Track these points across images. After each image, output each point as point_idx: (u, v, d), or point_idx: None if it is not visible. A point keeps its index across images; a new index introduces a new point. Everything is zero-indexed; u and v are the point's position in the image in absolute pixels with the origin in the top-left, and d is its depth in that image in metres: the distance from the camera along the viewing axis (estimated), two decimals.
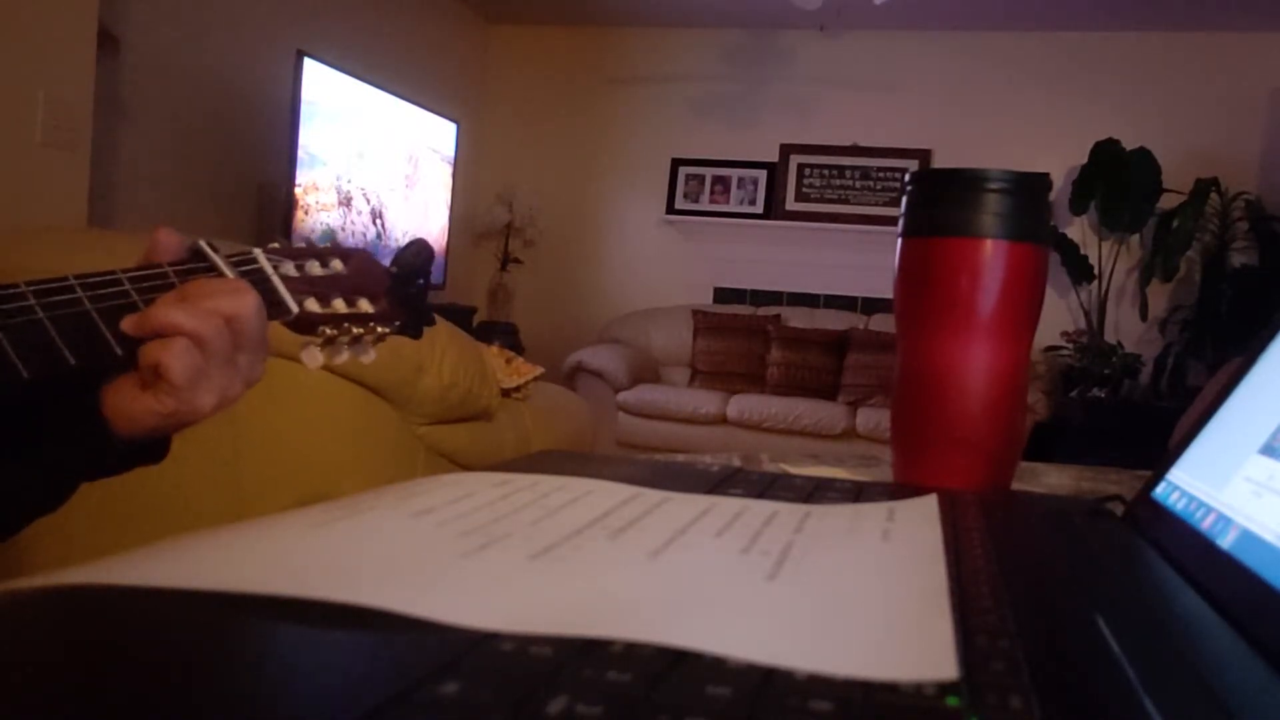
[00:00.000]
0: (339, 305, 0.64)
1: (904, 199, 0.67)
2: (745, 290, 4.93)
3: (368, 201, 3.66)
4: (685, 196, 5.03)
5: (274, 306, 0.60)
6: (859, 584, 0.31)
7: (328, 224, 3.42)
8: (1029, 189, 0.63)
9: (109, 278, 0.53)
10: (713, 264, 4.99)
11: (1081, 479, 0.80)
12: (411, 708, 0.19)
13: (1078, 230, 4.44)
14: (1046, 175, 0.67)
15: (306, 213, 3.29)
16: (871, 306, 4.70)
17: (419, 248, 0.71)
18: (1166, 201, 4.24)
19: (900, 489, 0.52)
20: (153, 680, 0.20)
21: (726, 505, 0.42)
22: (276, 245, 0.65)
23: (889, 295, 0.68)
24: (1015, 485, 0.67)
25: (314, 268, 0.64)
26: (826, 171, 4.85)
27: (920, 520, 0.42)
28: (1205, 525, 0.41)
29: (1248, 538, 0.36)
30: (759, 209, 4.92)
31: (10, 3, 2.03)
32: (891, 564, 0.34)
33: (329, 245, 0.67)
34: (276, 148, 3.34)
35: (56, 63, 2.15)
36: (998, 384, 0.64)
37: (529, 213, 4.95)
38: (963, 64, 4.65)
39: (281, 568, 0.28)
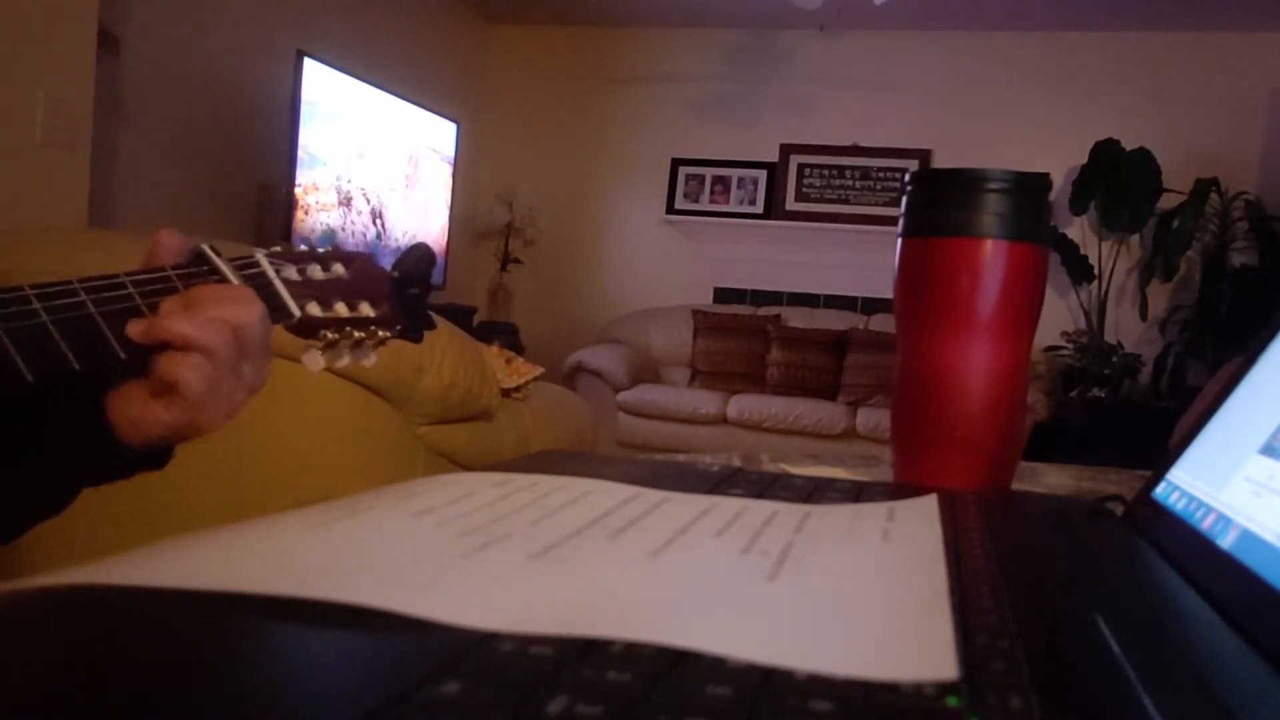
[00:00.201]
0: (340, 309, 0.64)
1: (904, 199, 0.67)
2: (745, 290, 4.93)
3: (368, 201, 3.66)
4: (685, 196, 5.03)
5: (276, 310, 0.60)
6: (859, 584, 0.31)
7: (328, 224, 3.42)
8: (1029, 189, 0.63)
9: (112, 281, 0.53)
10: (713, 264, 5.00)
11: (1081, 479, 0.80)
12: (411, 708, 0.19)
13: (1078, 230, 4.44)
14: (1046, 175, 0.67)
15: (306, 213, 3.29)
16: (871, 306, 4.70)
17: (420, 252, 0.71)
18: (1166, 201, 4.24)
19: (900, 489, 0.52)
20: (153, 680, 0.20)
21: (726, 505, 0.42)
22: (279, 248, 0.65)
23: (889, 295, 0.68)
24: (1015, 485, 0.67)
25: (316, 271, 0.65)
26: (826, 171, 4.85)
27: (920, 520, 0.42)
28: (1205, 525, 0.41)
29: (1248, 538, 0.36)
30: (759, 209, 4.92)
31: (10, 3, 2.03)
32: (891, 564, 0.34)
33: (330, 249, 0.67)
34: (276, 148, 3.34)
35: (56, 63, 2.15)
36: (998, 384, 0.64)
37: (529, 213, 4.95)
38: (963, 64, 4.65)
39: (281, 568, 0.28)
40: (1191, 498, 0.45)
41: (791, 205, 4.88)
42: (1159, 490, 0.50)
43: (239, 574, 0.27)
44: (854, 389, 4.17)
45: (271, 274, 0.61)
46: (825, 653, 0.23)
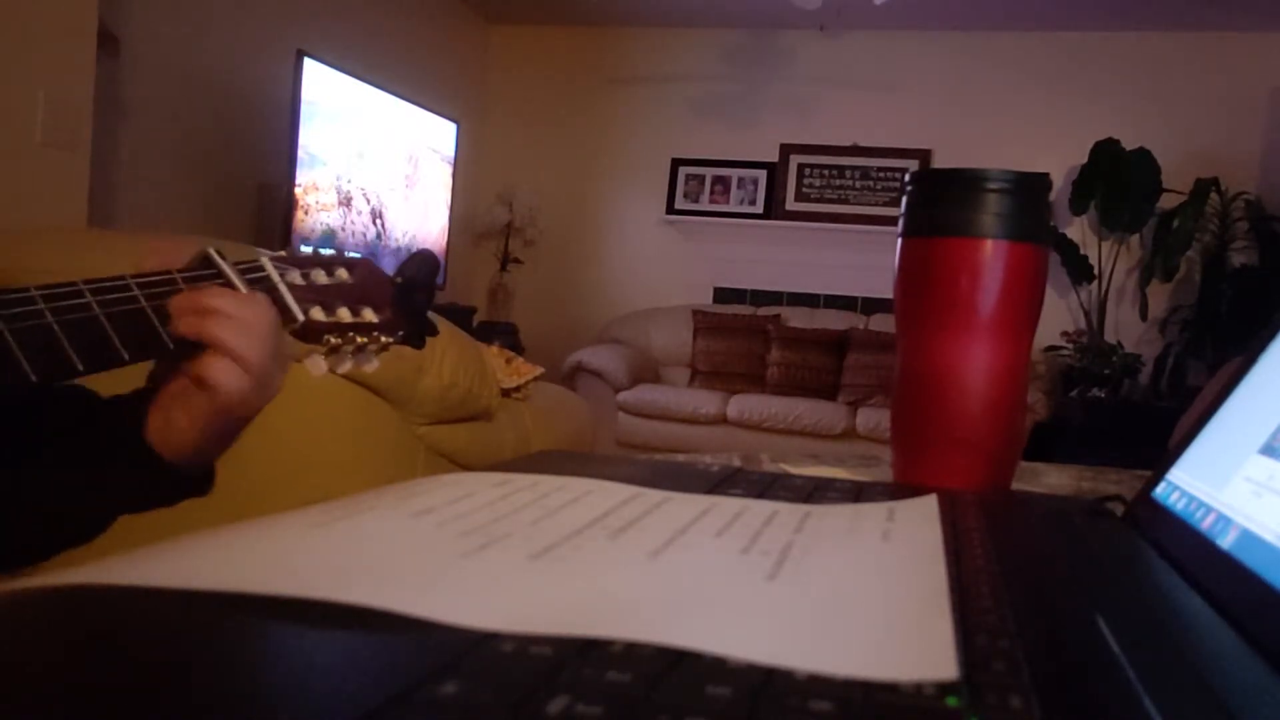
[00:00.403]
0: (344, 314, 0.64)
1: (904, 199, 0.67)
2: (745, 290, 4.93)
3: (368, 201, 3.66)
4: (685, 196, 5.03)
5: (280, 315, 0.61)
6: (859, 584, 0.31)
7: (328, 224, 3.42)
8: (1029, 189, 0.63)
9: (118, 283, 0.53)
10: (713, 264, 5.00)
11: (1081, 479, 0.80)
12: (411, 708, 0.19)
13: (1078, 230, 4.45)
14: (1046, 175, 0.67)
15: (306, 213, 3.29)
16: (871, 306, 4.70)
17: (423, 259, 0.71)
18: (1166, 201, 4.24)
19: (900, 489, 0.52)
20: (153, 680, 0.20)
21: (726, 505, 0.42)
22: (283, 253, 0.65)
23: (889, 295, 0.68)
24: (1015, 485, 0.67)
25: (319, 276, 0.65)
26: (826, 171, 4.85)
27: (920, 520, 0.42)
28: (1205, 525, 0.41)
29: (1248, 538, 0.36)
30: (759, 209, 4.92)
31: (10, 3, 2.03)
32: (891, 564, 0.34)
33: (334, 254, 0.67)
34: (276, 148, 3.34)
35: (56, 63, 2.15)
36: (998, 384, 0.64)
37: (529, 213, 4.95)
38: (963, 64, 4.66)
39: (281, 568, 0.28)
40: (1191, 498, 0.45)
41: (791, 205, 4.88)
42: (1159, 490, 0.50)
43: (239, 574, 0.27)
44: (854, 389, 4.17)
45: (276, 279, 0.62)
46: (825, 653, 0.23)
